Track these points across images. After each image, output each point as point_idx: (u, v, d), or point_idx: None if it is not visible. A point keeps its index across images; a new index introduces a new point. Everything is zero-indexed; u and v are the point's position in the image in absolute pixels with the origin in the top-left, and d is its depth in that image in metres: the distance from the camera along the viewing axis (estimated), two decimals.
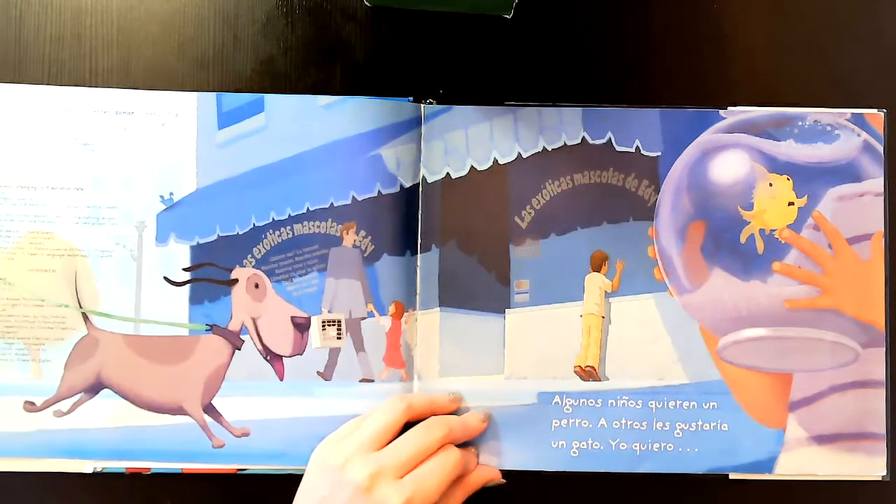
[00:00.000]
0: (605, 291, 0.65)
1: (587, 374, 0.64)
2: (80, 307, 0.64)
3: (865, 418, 0.64)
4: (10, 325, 0.63)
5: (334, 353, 0.64)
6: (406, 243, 0.65)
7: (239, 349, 0.64)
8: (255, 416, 0.64)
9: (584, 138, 0.65)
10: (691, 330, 0.65)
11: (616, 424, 0.64)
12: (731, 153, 0.65)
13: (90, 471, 0.63)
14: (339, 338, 0.64)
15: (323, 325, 0.64)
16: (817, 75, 0.66)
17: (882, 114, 0.66)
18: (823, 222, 0.65)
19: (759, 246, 0.65)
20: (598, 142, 0.65)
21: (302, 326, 0.64)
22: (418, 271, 0.65)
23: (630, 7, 0.67)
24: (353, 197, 0.65)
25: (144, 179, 0.65)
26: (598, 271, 0.65)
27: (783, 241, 0.65)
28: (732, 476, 0.64)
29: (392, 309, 0.64)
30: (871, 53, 0.67)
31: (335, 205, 0.65)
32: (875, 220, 0.65)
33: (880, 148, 0.65)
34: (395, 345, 0.64)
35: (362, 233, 0.64)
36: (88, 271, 0.64)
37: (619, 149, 0.65)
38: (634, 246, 0.65)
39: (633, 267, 0.65)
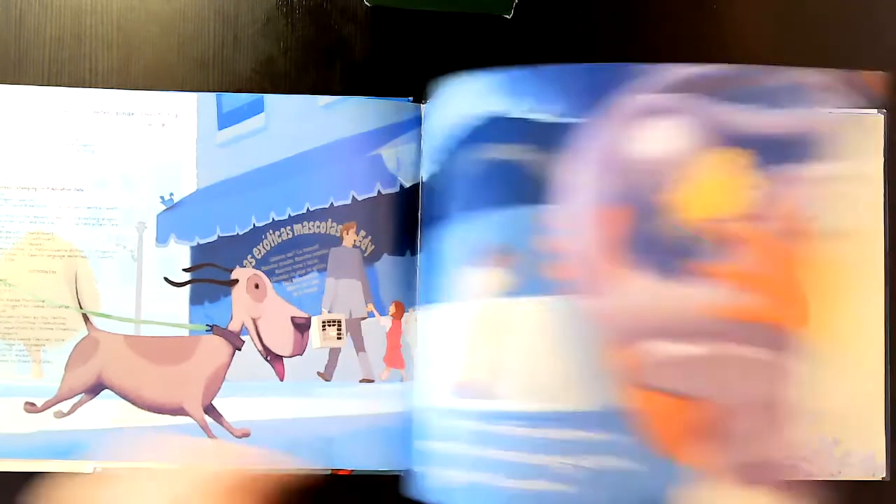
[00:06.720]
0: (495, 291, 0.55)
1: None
2: (81, 308, 0.64)
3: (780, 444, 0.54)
4: (10, 326, 0.64)
5: (334, 354, 0.64)
6: (406, 243, 0.65)
7: (239, 349, 0.64)
8: (255, 416, 0.64)
9: None
10: (594, 342, 0.52)
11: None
12: (664, 120, 0.52)
13: (90, 471, 0.63)
14: (339, 338, 0.64)
15: (323, 326, 0.64)
16: None
17: (882, 115, 0.66)
18: (777, 212, 0.52)
19: (691, 241, 0.52)
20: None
21: (302, 327, 0.64)
22: (418, 271, 0.65)
23: (630, 7, 0.67)
24: (353, 197, 0.65)
25: (144, 180, 0.65)
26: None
27: (720, 235, 0.52)
28: None
29: (392, 309, 0.64)
30: (871, 53, 0.67)
31: (335, 205, 0.65)
32: (852, 213, 0.55)
33: (871, 120, 0.57)
34: (396, 345, 0.64)
35: (362, 233, 0.64)
36: (89, 272, 0.64)
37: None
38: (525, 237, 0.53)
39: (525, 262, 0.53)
